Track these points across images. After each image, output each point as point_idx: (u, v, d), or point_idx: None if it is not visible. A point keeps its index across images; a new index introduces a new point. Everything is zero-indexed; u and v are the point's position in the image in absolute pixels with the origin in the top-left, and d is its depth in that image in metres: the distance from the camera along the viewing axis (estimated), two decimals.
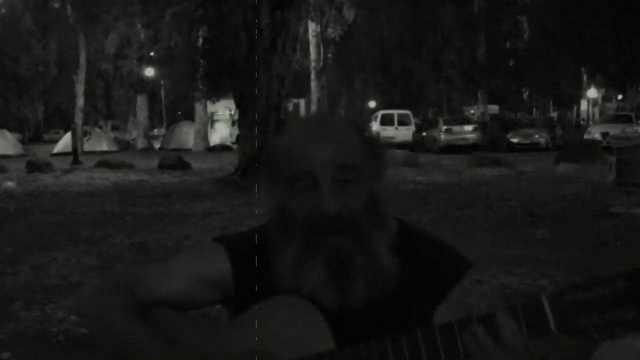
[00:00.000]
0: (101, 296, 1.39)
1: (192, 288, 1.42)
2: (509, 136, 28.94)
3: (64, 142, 33.15)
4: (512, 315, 1.20)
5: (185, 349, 1.34)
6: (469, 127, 30.03)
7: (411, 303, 1.38)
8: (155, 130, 57.01)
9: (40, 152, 33.61)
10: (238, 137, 17.94)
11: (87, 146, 34.06)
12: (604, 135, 25.40)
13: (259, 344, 1.32)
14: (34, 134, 59.24)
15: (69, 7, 40.49)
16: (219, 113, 40.00)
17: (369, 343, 1.25)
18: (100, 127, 44.90)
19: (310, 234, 1.31)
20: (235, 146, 28.21)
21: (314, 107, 38.02)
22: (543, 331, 1.18)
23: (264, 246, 1.40)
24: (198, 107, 34.53)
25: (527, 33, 44.64)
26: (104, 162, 21.01)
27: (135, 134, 41.38)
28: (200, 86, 22.31)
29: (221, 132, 39.25)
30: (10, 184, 15.19)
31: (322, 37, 38.20)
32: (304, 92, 40.82)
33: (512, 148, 27.22)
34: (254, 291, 1.38)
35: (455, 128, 29.45)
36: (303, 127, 1.39)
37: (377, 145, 1.39)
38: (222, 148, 34.18)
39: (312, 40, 37.68)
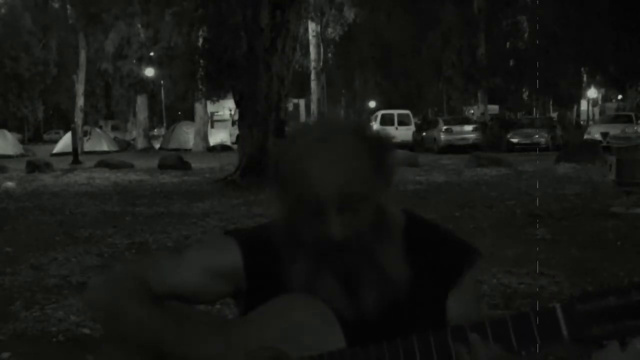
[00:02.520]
0: (115, 287, 1.39)
1: (203, 280, 1.42)
2: (509, 136, 28.94)
3: (64, 142, 33.17)
4: (524, 321, 1.21)
5: (195, 344, 1.33)
6: (468, 127, 30.04)
7: (423, 295, 1.39)
8: (155, 130, 57.04)
9: (40, 152, 33.63)
10: (238, 137, 17.93)
11: (87, 146, 34.08)
12: (604, 135, 25.37)
13: (270, 341, 1.32)
14: (34, 134, 59.31)
15: (69, 7, 40.53)
16: (219, 113, 40.01)
17: (381, 344, 1.26)
18: (100, 127, 44.93)
19: (319, 253, 1.31)
20: (235, 146, 28.21)
21: (314, 107, 38.03)
22: (555, 339, 1.19)
23: (274, 243, 1.40)
24: (198, 107, 34.54)
25: (527, 33, 44.66)
26: (104, 162, 21.01)
27: (135, 134, 41.41)
28: (200, 86, 22.30)
29: (221, 132, 39.26)
30: (10, 184, 15.18)
31: (322, 37, 38.21)
32: (304, 92, 40.84)
33: (512, 148, 27.22)
34: (265, 286, 1.38)
35: (455, 128, 29.45)
36: (308, 148, 1.29)
37: (385, 150, 1.35)
38: (222, 148, 34.18)
39: (312, 40, 37.70)
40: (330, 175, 1.26)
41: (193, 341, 1.32)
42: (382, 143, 1.36)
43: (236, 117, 22.36)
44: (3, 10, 46.92)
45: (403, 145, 28.74)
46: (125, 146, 39.68)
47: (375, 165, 1.31)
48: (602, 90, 54.71)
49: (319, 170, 1.27)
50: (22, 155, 31.34)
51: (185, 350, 1.31)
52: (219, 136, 38.37)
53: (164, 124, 54.09)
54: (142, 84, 38.32)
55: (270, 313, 1.34)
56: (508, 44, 43.99)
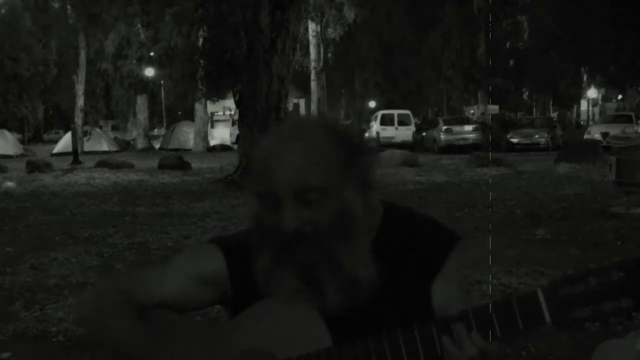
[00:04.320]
0: (99, 302, 1.41)
1: (190, 289, 1.43)
2: (509, 136, 28.92)
3: (64, 142, 33.16)
4: (507, 308, 1.21)
5: (182, 350, 1.34)
6: (469, 127, 30.02)
7: (407, 285, 1.39)
8: (155, 130, 57.03)
9: (40, 152, 33.62)
10: (238, 137, 17.94)
11: (87, 146, 34.07)
12: (604, 135, 25.36)
13: (257, 343, 1.33)
14: (34, 134, 59.28)
15: (69, 7, 40.52)
16: (219, 113, 40.01)
17: (366, 340, 1.26)
18: (100, 127, 44.91)
19: (277, 246, 1.32)
20: (235, 146, 28.20)
21: (314, 107, 38.03)
22: (538, 323, 1.19)
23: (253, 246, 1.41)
24: (198, 107, 34.54)
25: (527, 33, 44.66)
26: (104, 162, 21.01)
27: (135, 134, 41.40)
28: (200, 86, 22.32)
29: (221, 132, 39.26)
30: (10, 184, 15.18)
31: (322, 37, 38.19)
32: (304, 92, 40.83)
33: (512, 148, 27.21)
34: (250, 290, 1.39)
35: (455, 128, 29.44)
36: (275, 142, 1.33)
37: (356, 149, 1.35)
38: (222, 148, 34.19)
39: (312, 40, 37.67)
40: (286, 167, 1.28)
41: (179, 349, 1.34)
42: (355, 140, 1.36)
43: (236, 117, 22.35)
44: (3, 11, 46.90)
45: (403, 145, 28.75)
46: (125, 146, 39.67)
47: (344, 162, 1.31)
48: (602, 90, 54.71)
49: (276, 163, 1.29)
50: (22, 155, 31.33)
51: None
52: (219, 136, 38.37)
53: (164, 124, 54.08)
54: (142, 84, 38.30)
55: (256, 316, 1.35)
56: (508, 44, 43.99)
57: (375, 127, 33.19)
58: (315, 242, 1.30)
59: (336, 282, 1.31)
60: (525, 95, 55.35)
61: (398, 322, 1.28)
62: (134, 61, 37.29)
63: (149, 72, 37.87)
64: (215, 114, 39.85)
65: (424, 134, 31.88)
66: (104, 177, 17.05)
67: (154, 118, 54.19)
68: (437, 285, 1.41)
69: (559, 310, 1.17)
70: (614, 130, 25.47)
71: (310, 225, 1.29)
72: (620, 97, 54.12)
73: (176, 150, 32.45)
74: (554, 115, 48.10)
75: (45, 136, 60.66)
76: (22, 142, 42.47)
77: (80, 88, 38.43)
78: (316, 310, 1.32)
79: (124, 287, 1.42)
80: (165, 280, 1.43)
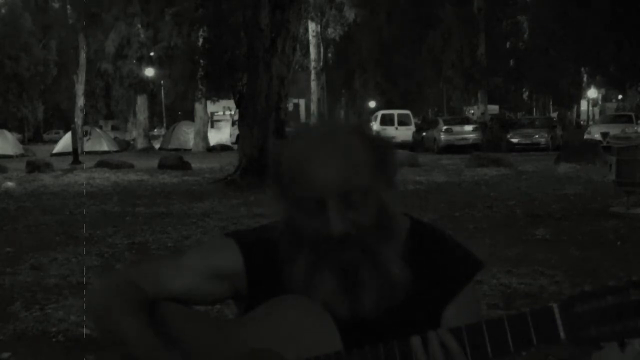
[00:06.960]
0: (108, 295, 1.37)
1: (204, 283, 1.42)
2: (509, 136, 28.92)
3: (64, 142, 33.16)
4: (521, 321, 1.19)
5: (190, 346, 1.33)
6: (469, 127, 30.02)
7: (421, 302, 1.38)
8: (155, 130, 57.02)
9: (40, 152, 33.63)
10: (238, 137, 17.95)
11: (87, 146, 34.06)
12: (604, 135, 25.35)
13: (265, 342, 1.32)
14: (34, 134, 59.27)
15: (69, 7, 40.53)
16: (219, 113, 39.98)
17: (377, 346, 1.25)
18: (100, 127, 44.90)
19: (319, 249, 1.31)
20: (235, 146, 28.20)
21: (314, 107, 38.02)
22: (552, 339, 1.17)
23: (275, 244, 1.39)
24: (198, 107, 34.54)
25: (527, 33, 44.66)
26: (104, 162, 21.01)
27: (135, 134, 41.37)
28: (200, 86, 22.31)
29: (221, 132, 39.24)
30: (10, 184, 15.18)
31: (322, 37, 38.20)
32: (304, 92, 40.84)
33: (512, 148, 27.19)
34: (266, 287, 1.38)
35: (455, 128, 29.44)
36: (309, 144, 1.31)
37: (385, 149, 1.36)
38: (222, 148, 34.19)
39: (312, 40, 37.68)
40: (328, 169, 1.27)
41: (187, 345, 1.32)
42: (383, 142, 1.37)
43: (236, 117, 22.33)
44: (3, 11, 46.91)
45: (403, 145, 28.72)
46: (125, 146, 39.66)
47: (376, 162, 1.32)
48: (602, 90, 54.69)
49: (317, 165, 1.27)
50: (22, 155, 31.34)
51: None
52: (219, 136, 38.35)
53: (164, 124, 54.08)
54: (142, 84, 38.26)
55: (267, 314, 1.34)
56: (508, 44, 44.00)
57: (375, 127, 33.15)
58: (359, 243, 1.30)
59: (376, 282, 1.32)
60: (525, 95, 55.40)
61: (406, 334, 1.27)
62: (134, 61, 37.25)
63: (149, 72, 37.83)
64: (215, 114, 39.84)
65: (424, 134, 31.88)
66: (104, 177, 17.04)
67: (154, 118, 54.22)
68: (450, 310, 1.40)
69: (575, 328, 1.15)
70: (614, 130, 25.46)
71: (355, 227, 1.29)
72: (620, 97, 54.11)
73: (176, 150, 32.45)
74: (554, 115, 48.10)
75: (45, 136, 60.65)
76: (22, 142, 42.48)
77: (80, 88, 38.42)
78: (328, 312, 1.30)
79: (134, 281, 1.39)
80: (180, 274, 1.41)
